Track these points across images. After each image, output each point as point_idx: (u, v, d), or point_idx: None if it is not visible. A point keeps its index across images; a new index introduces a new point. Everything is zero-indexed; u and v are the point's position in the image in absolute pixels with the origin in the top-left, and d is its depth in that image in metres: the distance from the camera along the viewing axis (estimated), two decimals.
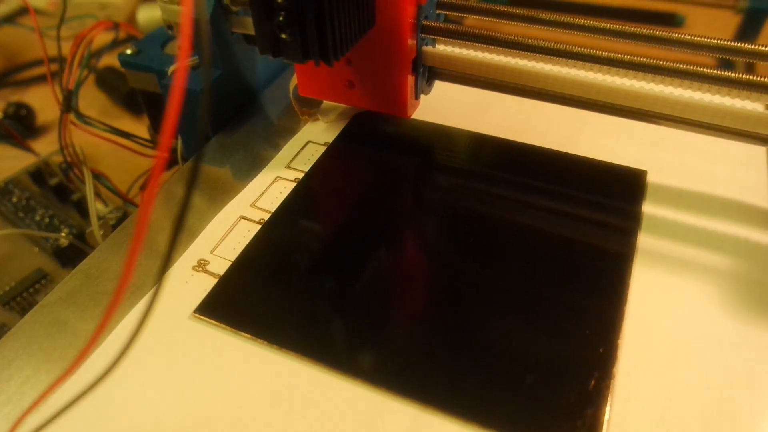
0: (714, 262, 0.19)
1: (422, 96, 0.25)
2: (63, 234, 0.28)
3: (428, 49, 0.23)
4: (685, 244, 0.20)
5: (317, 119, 0.26)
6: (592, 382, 0.16)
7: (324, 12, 0.18)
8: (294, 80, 0.26)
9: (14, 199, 0.31)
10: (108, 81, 0.40)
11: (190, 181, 0.12)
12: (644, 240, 0.20)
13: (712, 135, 0.21)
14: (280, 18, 0.18)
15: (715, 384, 0.16)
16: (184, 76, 0.12)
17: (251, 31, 0.25)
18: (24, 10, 0.44)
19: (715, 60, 0.21)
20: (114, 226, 0.28)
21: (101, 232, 0.27)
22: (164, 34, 0.28)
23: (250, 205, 0.22)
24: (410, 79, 0.23)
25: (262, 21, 0.19)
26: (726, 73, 0.20)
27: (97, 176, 0.30)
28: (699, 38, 0.20)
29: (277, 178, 0.23)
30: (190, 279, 0.19)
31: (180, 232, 0.12)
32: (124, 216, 0.29)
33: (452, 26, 0.23)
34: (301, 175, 0.23)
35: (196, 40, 0.12)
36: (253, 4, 0.18)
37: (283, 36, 0.19)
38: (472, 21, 0.24)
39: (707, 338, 0.17)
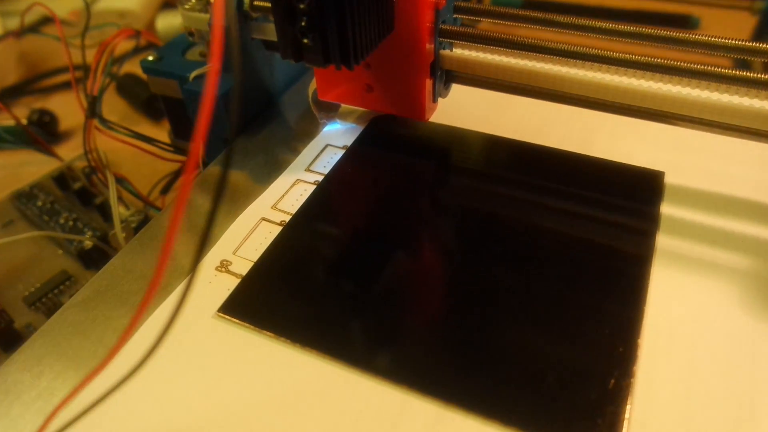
0: (733, 263, 0.19)
1: (440, 99, 0.25)
2: (87, 236, 0.29)
3: (446, 52, 0.24)
4: (704, 244, 0.20)
5: (335, 122, 0.27)
6: (612, 381, 0.16)
7: (345, 17, 0.18)
8: (313, 85, 0.27)
9: (39, 203, 0.32)
10: (128, 87, 0.41)
11: (220, 184, 0.12)
12: (663, 240, 0.20)
13: (730, 135, 0.21)
14: (302, 23, 0.19)
15: (736, 383, 0.16)
16: (215, 83, 0.12)
17: (271, 37, 0.25)
18: (47, 20, 0.45)
19: (732, 61, 0.21)
20: (136, 229, 0.29)
21: (123, 235, 0.28)
22: (185, 40, 0.29)
23: (271, 207, 0.23)
24: (428, 83, 0.24)
25: (285, 26, 0.19)
26: (743, 73, 0.20)
27: (119, 180, 0.30)
28: (715, 39, 0.20)
29: (298, 180, 0.24)
30: (213, 279, 0.20)
31: (209, 233, 0.12)
32: (146, 219, 0.30)
33: (470, 30, 0.23)
34: (320, 178, 0.24)
35: (226, 46, 0.13)
36: (275, 11, 0.19)
37: (305, 41, 0.19)
38: (486, 24, 0.24)
39: (727, 338, 0.17)
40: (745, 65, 0.23)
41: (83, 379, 0.13)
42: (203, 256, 0.21)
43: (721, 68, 0.20)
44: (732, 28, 0.41)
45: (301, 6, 0.18)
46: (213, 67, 0.12)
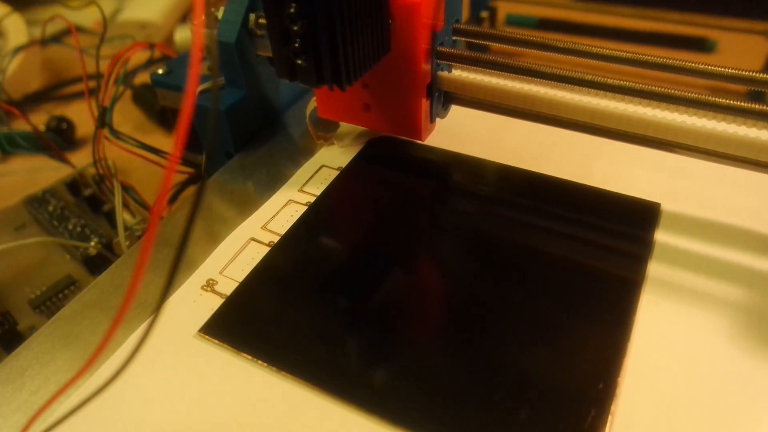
0: (726, 294, 0.19)
1: (438, 120, 0.26)
2: (92, 243, 0.30)
3: (444, 74, 0.24)
4: (697, 273, 0.20)
5: (332, 144, 0.27)
6: (588, 420, 0.16)
7: (337, 39, 0.19)
8: (310, 105, 0.27)
9: (50, 208, 0.33)
10: (143, 97, 0.42)
11: (192, 213, 0.12)
12: (654, 269, 0.20)
13: (729, 164, 0.21)
14: (296, 44, 0.19)
15: (719, 424, 0.16)
16: (194, 92, 0.12)
17: None
18: (70, 30, 0.47)
19: (745, 88, 0.21)
20: (140, 237, 0.29)
21: (127, 243, 0.28)
22: None
23: (261, 228, 0.23)
24: (425, 104, 0.24)
25: (279, 47, 0.19)
26: (745, 104, 0.19)
27: (127, 189, 0.31)
28: (724, 69, 0.20)
29: (290, 201, 0.24)
30: (198, 298, 0.20)
31: (181, 258, 0.12)
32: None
33: (466, 53, 0.23)
34: (312, 199, 0.24)
35: (219, 61, 0.13)
36: (270, 32, 0.19)
37: (299, 61, 0.19)
38: (495, 45, 0.24)
39: (713, 374, 0.17)
40: (758, 92, 0.22)
41: (57, 390, 0.14)
42: (191, 274, 0.21)
43: (722, 99, 0.20)
44: (748, 52, 0.40)
45: (295, 28, 0.18)
46: (191, 87, 0.12)
